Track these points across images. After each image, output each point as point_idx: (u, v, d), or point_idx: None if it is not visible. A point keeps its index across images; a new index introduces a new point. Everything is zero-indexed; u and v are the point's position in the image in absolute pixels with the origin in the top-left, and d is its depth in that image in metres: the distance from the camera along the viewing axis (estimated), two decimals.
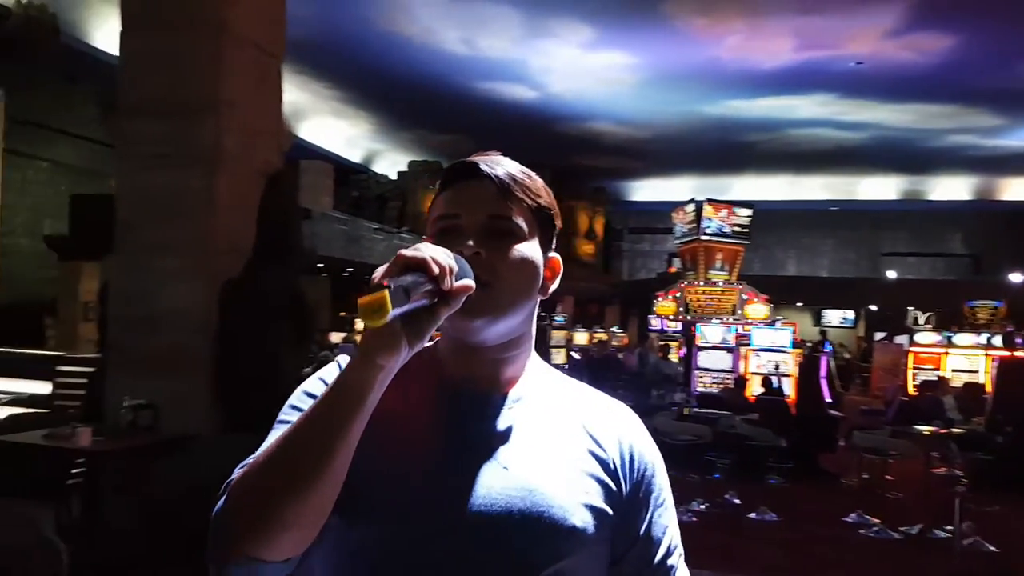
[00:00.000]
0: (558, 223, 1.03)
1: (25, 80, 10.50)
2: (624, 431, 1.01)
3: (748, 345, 11.13)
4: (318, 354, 11.63)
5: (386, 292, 0.73)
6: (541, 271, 0.98)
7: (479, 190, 0.94)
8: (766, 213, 16.20)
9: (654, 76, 15.54)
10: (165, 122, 4.97)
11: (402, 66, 14.51)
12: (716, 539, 6.08)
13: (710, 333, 11.65)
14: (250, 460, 0.85)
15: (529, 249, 0.95)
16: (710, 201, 13.02)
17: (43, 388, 5.80)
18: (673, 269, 22.25)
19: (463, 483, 0.90)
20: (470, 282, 0.83)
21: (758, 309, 12.13)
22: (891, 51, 13.74)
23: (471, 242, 0.91)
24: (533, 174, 1.01)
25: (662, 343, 14.26)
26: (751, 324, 11.69)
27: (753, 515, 6.78)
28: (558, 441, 0.96)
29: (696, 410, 9.24)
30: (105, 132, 11.38)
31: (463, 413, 0.95)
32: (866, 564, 5.90)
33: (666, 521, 1.01)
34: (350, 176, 20.68)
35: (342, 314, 17.21)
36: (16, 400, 5.84)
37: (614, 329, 21.12)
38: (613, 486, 0.96)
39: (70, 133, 12.61)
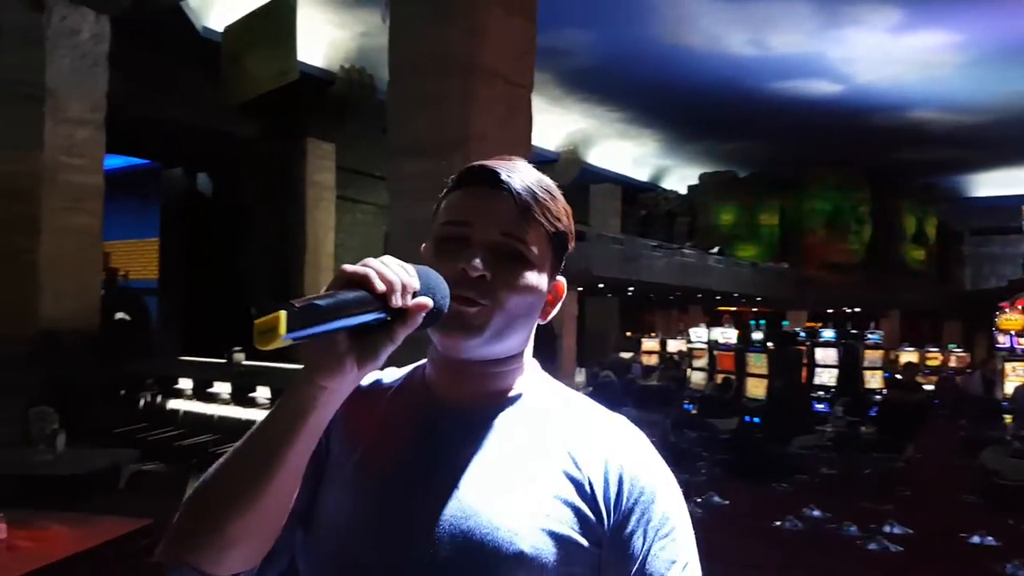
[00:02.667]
0: (571, 246, 0.95)
1: (350, 135, 12.03)
2: (613, 452, 0.89)
3: None
4: (599, 373, 11.88)
5: (281, 314, 0.67)
6: (544, 297, 0.92)
7: (496, 203, 0.88)
8: None
9: (984, 53, 13.69)
10: (424, 160, 5.41)
11: (687, 78, 14.31)
12: None
13: None
14: (208, 471, 0.84)
15: (537, 277, 0.89)
16: None
17: None
18: None
19: (417, 507, 0.85)
20: (427, 300, 0.77)
21: None
22: None
23: (478, 260, 0.85)
24: (555, 191, 0.94)
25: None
26: None
27: None
28: (529, 462, 0.88)
29: None
30: None
31: (434, 431, 0.91)
32: None
33: (671, 556, 0.87)
34: (638, 195, 20.81)
35: (628, 334, 17.27)
36: None
37: (951, 347, 18.66)
38: (590, 514, 0.86)
39: None
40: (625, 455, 0.90)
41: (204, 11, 9.87)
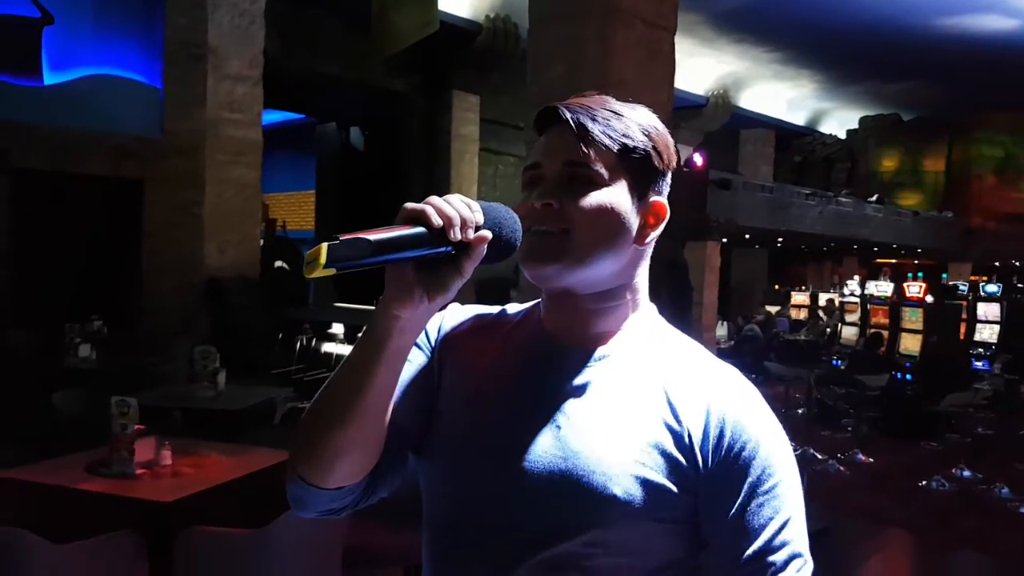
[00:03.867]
0: (661, 163, 0.94)
1: (494, 86, 12.09)
2: (716, 402, 0.88)
3: None
4: (743, 327, 11.53)
5: (323, 246, 0.72)
6: (630, 217, 0.91)
7: (559, 136, 0.91)
8: None
9: None
10: None
11: (847, 15, 13.40)
12: None
13: None
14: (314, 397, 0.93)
15: (610, 195, 0.90)
16: None
17: None
18: None
19: (518, 440, 0.90)
20: (487, 233, 0.81)
21: None
22: None
23: (545, 192, 0.90)
24: (625, 110, 0.94)
25: None
26: None
27: None
28: (628, 405, 0.89)
29: None
30: None
31: (542, 367, 0.94)
32: None
33: (770, 512, 0.85)
34: (792, 140, 19.79)
35: (776, 287, 16.59)
36: None
37: None
38: (684, 461, 0.86)
39: None
40: (728, 404, 0.89)
41: None
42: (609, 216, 0.89)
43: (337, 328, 8.50)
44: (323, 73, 10.80)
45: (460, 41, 11.46)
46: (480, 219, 0.80)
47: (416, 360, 0.98)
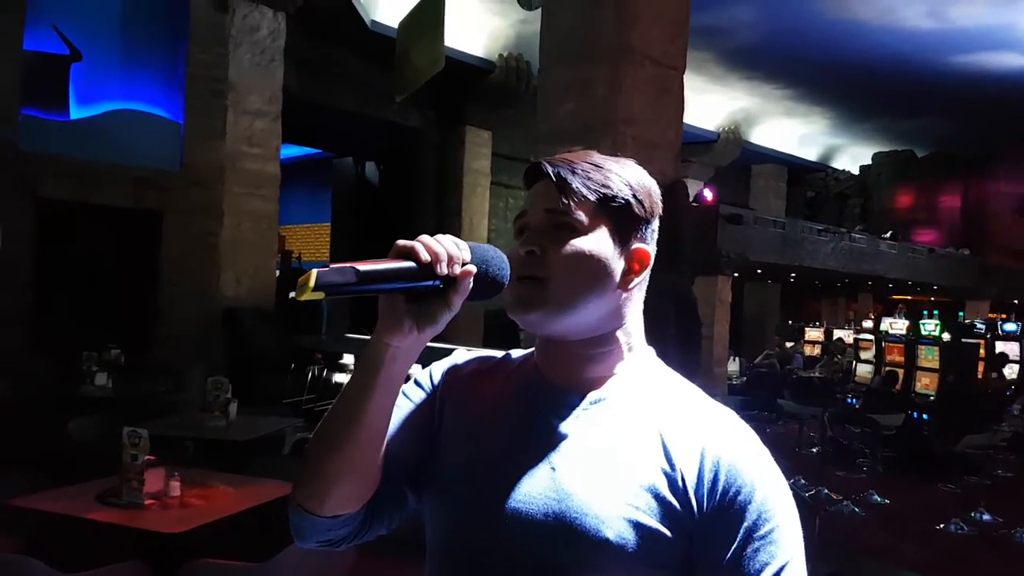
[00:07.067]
0: (642, 211, 0.96)
1: (506, 121, 12.25)
2: (711, 445, 0.88)
3: None
4: (756, 363, 11.50)
5: (313, 271, 0.76)
6: (611, 263, 0.93)
7: (543, 188, 0.95)
8: None
9: None
10: (570, 145, 5.43)
11: (859, 53, 13.48)
12: None
13: None
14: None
15: (589, 242, 0.93)
16: None
17: None
18: None
19: (512, 479, 0.91)
20: (472, 267, 0.84)
21: None
22: None
23: (528, 238, 0.94)
24: (606, 163, 0.97)
25: None
26: None
27: None
28: (622, 448, 0.90)
29: None
30: None
31: (538, 409, 0.96)
32: None
33: (766, 558, 0.84)
34: (804, 176, 19.82)
35: (789, 322, 16.48)
36: None
37: None
38: (678, 506, 0.86)
39: None
40: (723, 447, 0.88)
41: (372, 5, 10.31)
42: (589, 262, 0.92)
43: (348, 359, 8.55)
44: (340, 109, 11.00)
45: (474, 78, 11.66)
46: (467, 256, 0.85)
47: (418, 399, 1.02)
